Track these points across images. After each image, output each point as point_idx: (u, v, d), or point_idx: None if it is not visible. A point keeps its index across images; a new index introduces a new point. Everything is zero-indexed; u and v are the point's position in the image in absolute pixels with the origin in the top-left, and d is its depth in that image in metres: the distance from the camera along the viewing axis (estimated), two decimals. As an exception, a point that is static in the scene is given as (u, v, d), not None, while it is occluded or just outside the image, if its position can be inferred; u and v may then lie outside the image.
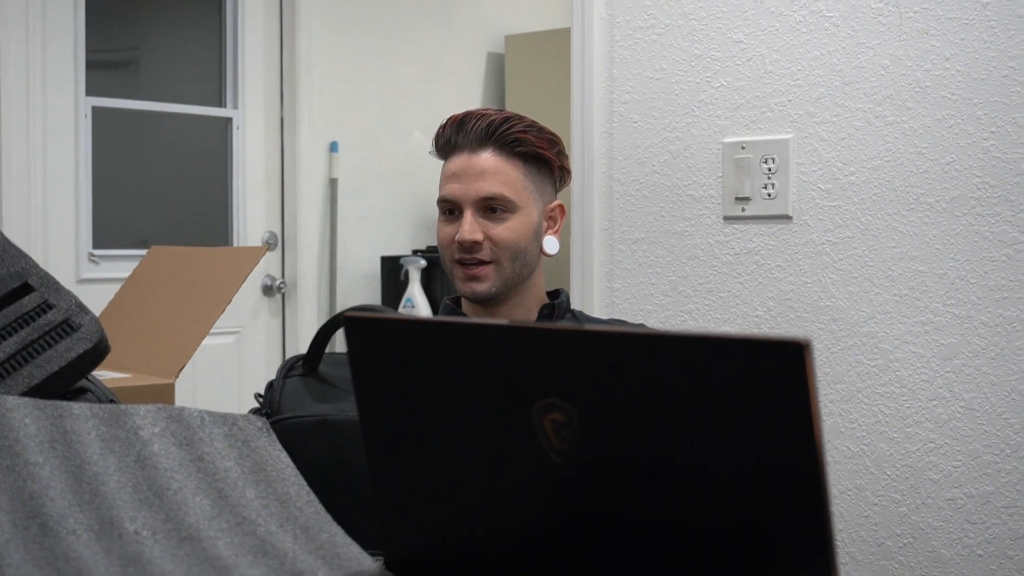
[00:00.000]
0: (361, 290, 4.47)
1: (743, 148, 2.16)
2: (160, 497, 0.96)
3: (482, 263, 1.69)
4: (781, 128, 2.13)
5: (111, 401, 1.26)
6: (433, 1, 4.68)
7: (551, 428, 0.80)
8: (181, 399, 2.01)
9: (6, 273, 1.20)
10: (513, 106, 4.69)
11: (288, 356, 4.27)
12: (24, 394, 1.14)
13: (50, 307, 1.18)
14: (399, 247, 4.52)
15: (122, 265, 3.68)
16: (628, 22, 2.31)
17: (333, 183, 4.33)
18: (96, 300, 2.32)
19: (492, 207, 1.69)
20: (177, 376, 1.86)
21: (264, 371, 4.26)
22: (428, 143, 1.77)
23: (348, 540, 0.97)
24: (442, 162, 1.76)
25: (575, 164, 2.30)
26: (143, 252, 2.55)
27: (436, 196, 1.74)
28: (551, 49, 4.45)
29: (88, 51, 3.78)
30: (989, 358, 1.92)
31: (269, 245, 4.27)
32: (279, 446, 1.09)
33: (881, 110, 2.01)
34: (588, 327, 0.78)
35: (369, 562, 0.93)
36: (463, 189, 1.69)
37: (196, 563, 0.89)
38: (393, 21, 4.53)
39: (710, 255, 2.22)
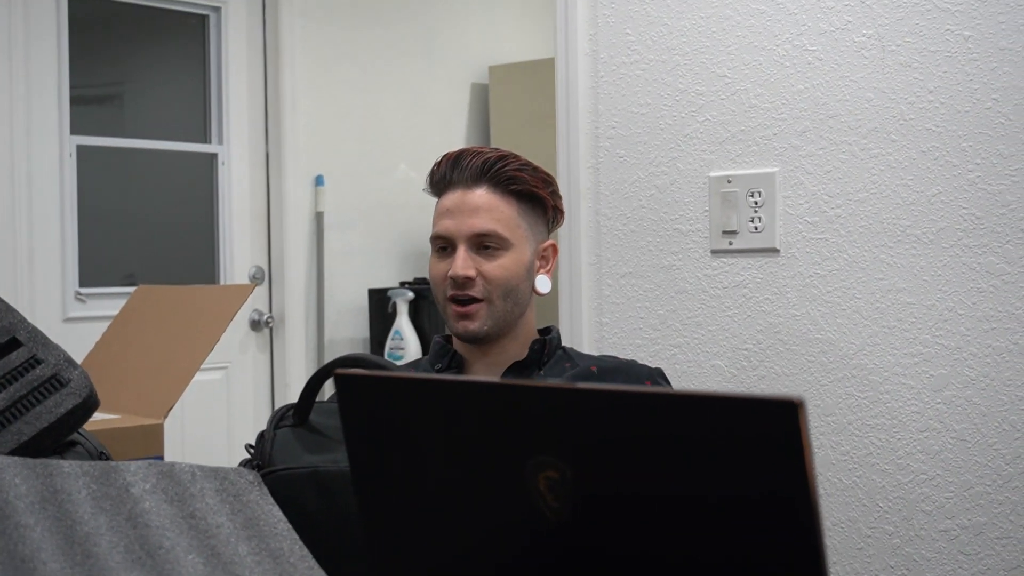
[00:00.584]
0: (349, 323, 4.46)
1: (729, 182, 2.17)
2: (152, 557, 0.95)
3: (474, 300, 1.69)
4: (767, 162, 2.13)
5: (101, 454, 1.26)
6: (416, 33, 4.69)
7: (545, 485, 0.79)
8: (170, 436, 2.00)
9: (-6, 328, 1.19)
10: (498, 135, 4.69)
11: (277, 390, 4.28)
12: (14, 451, 1.14)
13: (39, 362, 1.18)
14: (386, 279, 4.51)
15: (109, 303, 3.68)
16: (612, 57, 2.32)
17: (319, 217, 4.33)
18: (83, 339, 2.31)
19: (485, 244, 1.69)
20: (166, 416, 1.86)
21: (253, 406, 4.24)
22: (413, 174, 1.77)
23: (342, 596, 0.96)
24: (434, 199, 1.76)
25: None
26: (130, 289, 2.55)
27: (423, 228, 1.74)
28: (535, 79, 4.46)
29: (72, 88, 3.78)
30: (979, 389, 1.93)
31: (256, 280, 4.27)
32: (271, 500, 1.08)
33: (866, 143, 2.02)
34: (581, 385, 0.78)
35: (363, 619, 0.93)
36: (457, 225, 1.69)
37: (190, 625, 0.89)
38: (376, 54, 4.54)
39: (698, 289, 2.22)
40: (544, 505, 0.80)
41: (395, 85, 4.59)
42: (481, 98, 4.91)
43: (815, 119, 2.07)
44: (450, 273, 1.69)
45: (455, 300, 1.70)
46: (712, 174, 2.20)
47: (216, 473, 1.08)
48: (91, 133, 3.88)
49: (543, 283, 1.76)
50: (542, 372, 1.75)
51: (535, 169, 1.75)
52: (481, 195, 1.70)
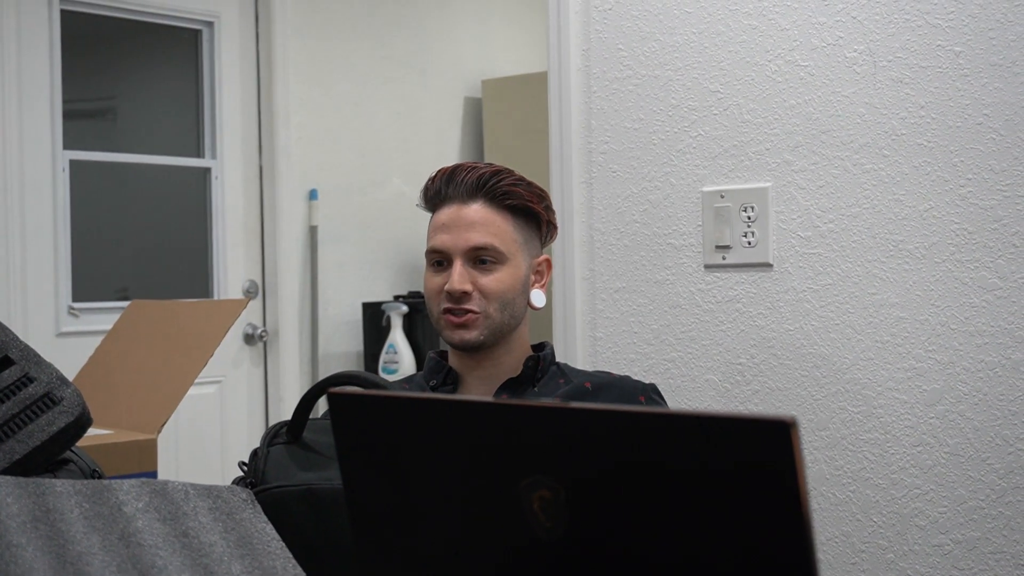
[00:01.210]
0: (343, 337, 4.46)
1: (722, 197, 2.17)
2: (145, 576, 0.95)
3: (470, 312, 1.69)
4: (759, 177, 2.14)
5: (94, 472, 1.26)
6: (409, 47, 4.70)
7: (538, 505, 0.79)
8: (163, 450, 2.00)
9: (-14, 346, 1.19)
10: (491, 149, 4.70)
11: (271, 404, 4.27)
12: (6, 470, 1.13)
13: (31, 380, 1.18)
14: (380, 293, 4.51)
15: (102, 317, 3.67)
16: (604, 73, 2.33)
17: (313, 231, 4.33)
18: (76, 353, 2.31)
19: (481, 258, 1.70)
20: (159, 431, 1.85)
21: (247, 420, 4.24)
22: (407, 188, 1.77)
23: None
24: (429, 214, 1.77)
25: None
26: (123, 304, 2.54)
27: (416, 241, 1.75)
28: (529, 92, 4.47)
29: (65, 103, 3.78)
30: (972, 403, 1.93)
31: (250, 294, 4.26)
32: (264, 518, 1.08)
33: (858, 158, 2.03)
34: (574, 405, 0.78)
35: (357, 638, 0.93)
36: (452, 239, 1.70)
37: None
38: (369, 67, 4.55)
39: (692, 303, 2.22)
40: (538, 524, 0.80)
41: (388, 99, 4.60)
42: (474, 112, 4.92)
43: (807, 134, 2.08)
44: (447, 287, 1.69)
45: (450, 312, 1.70)
46: (705, 189, 2.20)
47: (209, 491, 1.07)
48: (84, 148, 3.87)
49: (538, 297, 1.77)
50: (536, 389, 1.75)
51: (529, 184, 1.76)
52: (477, 210, 1.70)
